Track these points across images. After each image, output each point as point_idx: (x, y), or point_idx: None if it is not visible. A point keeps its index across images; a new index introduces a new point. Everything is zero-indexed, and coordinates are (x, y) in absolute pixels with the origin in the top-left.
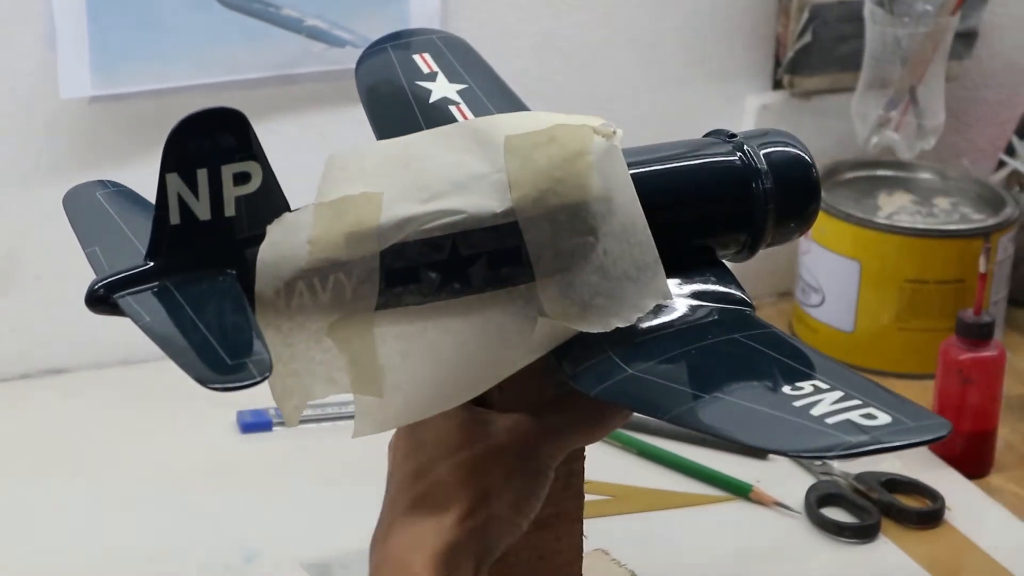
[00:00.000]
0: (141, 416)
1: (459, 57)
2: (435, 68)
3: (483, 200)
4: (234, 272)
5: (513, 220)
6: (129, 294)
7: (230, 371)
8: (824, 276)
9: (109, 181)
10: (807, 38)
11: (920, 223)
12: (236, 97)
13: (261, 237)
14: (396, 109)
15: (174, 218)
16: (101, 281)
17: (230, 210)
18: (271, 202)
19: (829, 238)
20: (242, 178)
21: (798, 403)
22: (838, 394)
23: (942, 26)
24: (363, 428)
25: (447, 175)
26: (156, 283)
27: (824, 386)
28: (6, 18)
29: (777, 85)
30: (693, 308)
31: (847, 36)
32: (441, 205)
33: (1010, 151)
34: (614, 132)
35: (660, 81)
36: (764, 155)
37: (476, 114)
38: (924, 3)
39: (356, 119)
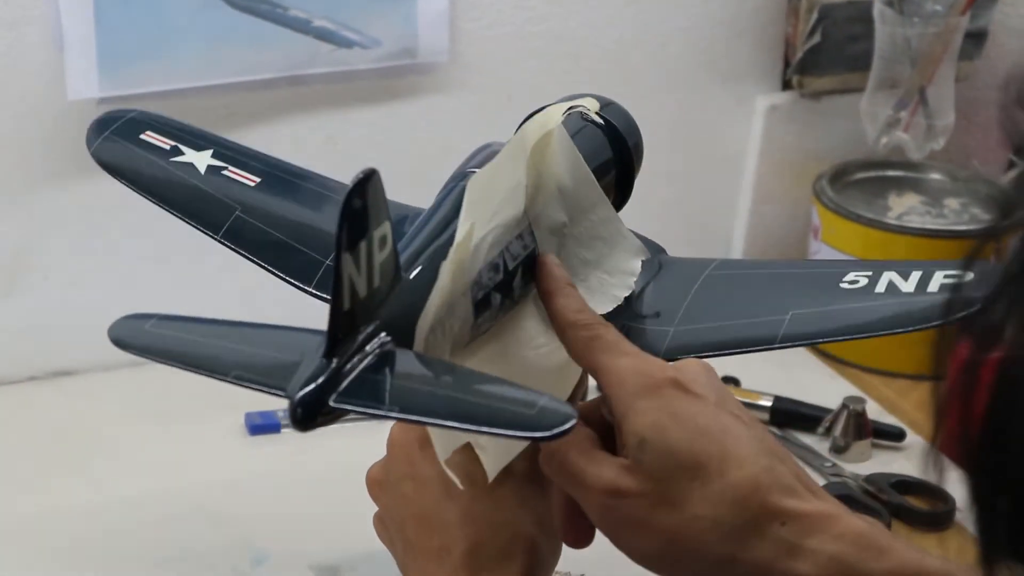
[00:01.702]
0: (149, 418)
1: (175, 127)
2: (171, 142)
3: (514, 209)
4: (388, 338)
5: (528, 222)
6: (341, 396)
7: (542, 419)
8: None
9: (142, 314)
10: (816, 38)
11: (930, 224)
12: (243, 99)
13: (388, 296)
14: (180, 191)
15: (345, 303)
16: (303, 397)
17: (376, 279)
18: (395, 258)
19: (839, 239)
20: (382, 242)
21: (879, 290)
22: (892, 273)
23: (952, 26)
24: (491, 467)
25: (503, 189)
26: (357, 374)
27: (867, 272)
28: (13, 19)
29: (786, 86)
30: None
31: (856, 36)
32: (495, 221)
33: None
34: (567, 111)
35: (669, 82)
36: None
37: (245, 172)
38: (934, 3)
39: (365, 120)
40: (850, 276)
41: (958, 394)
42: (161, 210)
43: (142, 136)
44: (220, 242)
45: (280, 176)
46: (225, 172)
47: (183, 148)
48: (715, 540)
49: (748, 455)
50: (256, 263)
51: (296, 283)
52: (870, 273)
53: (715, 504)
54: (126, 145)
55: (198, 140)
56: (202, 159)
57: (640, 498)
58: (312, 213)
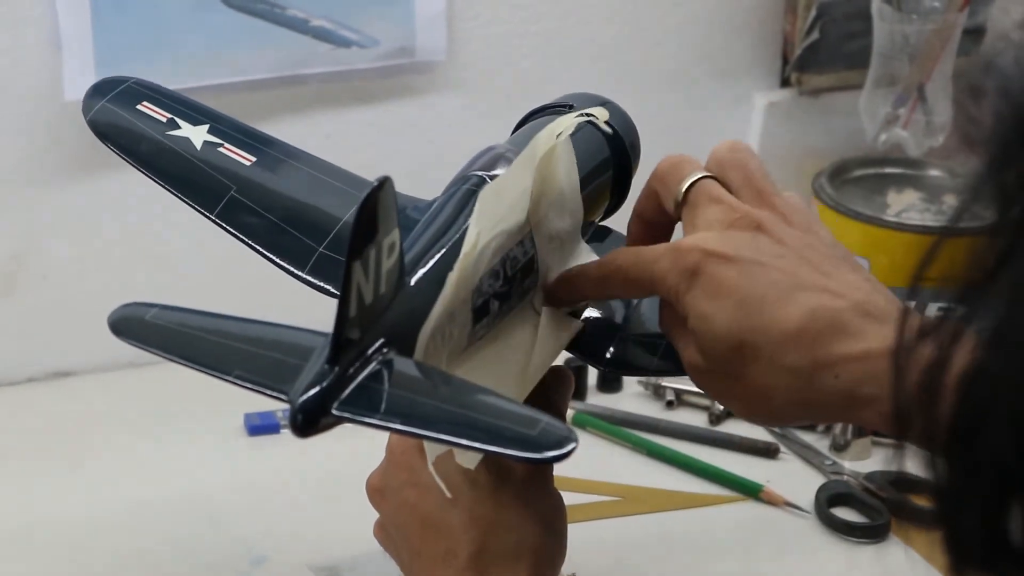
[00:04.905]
0: (148, 419)
1: (172, 99)
2: (168, 115)
3: (518, 215)
4: (391, 346)
5: (529, 228)
6: (343, 405)
7: (542, 439)
8: None
9: (143, 303)
10: (815, 35)
11: (929, 221)
12: (241, 98)
13: (390, 303)
14: (176, 167)
15: (352, 310)
16: (305, 403)
17: (382, 286)
18: (401, 265)
19: (838, 236)
20: (390, 249)
21: None
22: None
23: (950, 23)
24: (466, 460)
25: (509, 197)
26: (358, 382)
27: None
28: (10, 20)
29: (785, 83)
30: None
31: (855, 33)
32: (499, 228)
33: None
34: (574, 123)
35: (667, 79)
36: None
37: (241, 150)
38: (932, 0)
39: (362, 120)
40: None
41: (922, 401)
42: (160, 211)
43: (138, 107)
44: (214, 222)
45: (275, 156)
46: (221, 150)
47: (179, 122)
48: (783, 399)
49: (793, 309)
50: (250, 246)
51: (289, 268)
52: None
53: (770, 374)
54: (122, 115)
55: (194, 114)
56: (198, 134)
57: (709, 373)
58: (307, 197)
